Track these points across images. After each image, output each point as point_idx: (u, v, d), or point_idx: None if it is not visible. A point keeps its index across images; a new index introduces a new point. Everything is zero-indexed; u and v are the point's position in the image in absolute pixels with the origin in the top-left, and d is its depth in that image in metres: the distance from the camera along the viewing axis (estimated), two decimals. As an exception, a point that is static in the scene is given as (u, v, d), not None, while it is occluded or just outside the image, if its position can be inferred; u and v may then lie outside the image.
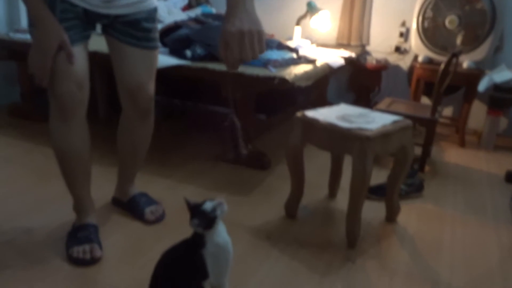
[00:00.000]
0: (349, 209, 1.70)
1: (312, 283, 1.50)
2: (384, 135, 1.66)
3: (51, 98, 1.42)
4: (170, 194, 2.04)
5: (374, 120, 1.75)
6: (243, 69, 2.21)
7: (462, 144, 3.08)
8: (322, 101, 3.50)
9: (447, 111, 3.54)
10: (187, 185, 2.16)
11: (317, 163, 2.49)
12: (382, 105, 2.69)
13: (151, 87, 1.61)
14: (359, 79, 3.52)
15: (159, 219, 1.80)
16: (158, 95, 1.73)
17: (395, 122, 1.76)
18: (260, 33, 1.09)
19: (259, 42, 1.09)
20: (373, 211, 2.01)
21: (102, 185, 1.95)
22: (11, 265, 1.49)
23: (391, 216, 1.94)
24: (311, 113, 1.80)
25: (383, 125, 1.70)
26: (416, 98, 3.25)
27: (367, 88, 3.52)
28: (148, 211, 1.80)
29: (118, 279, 1.46)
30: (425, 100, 3.39)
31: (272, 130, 3.03)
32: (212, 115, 2.93)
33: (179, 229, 1.75)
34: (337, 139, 1.67)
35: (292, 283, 1.50)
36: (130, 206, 1.83)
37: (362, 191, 1.65)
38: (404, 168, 1.84)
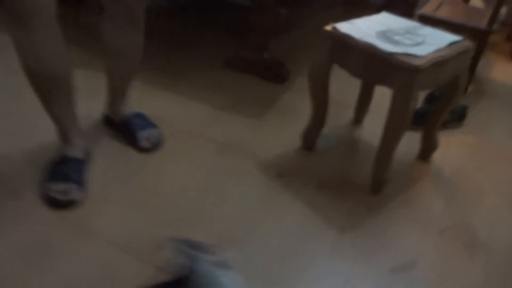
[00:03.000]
0: (380, 151, 1.41)
1: (328, 239, 1.29)
2: (437, 64, 1.30)
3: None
4: (171, 111, 1.75)
5: (425, 41, 1.37)
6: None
7: (513, 56, 2.65)
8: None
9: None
10: (191, 100, 1.84)
11: (342, 76, 2.13)
12: (429, 7, 2.23)
13: None
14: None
15: (156, 145, 1.55)
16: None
17: (452, 44, 1.38)
18: None
19: None
20: (405, 144, 1.72)
21: (91, 98, 1.67)
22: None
23: (426, 153, 1.66)
24: (344, 27, 1.41)
25: (436, 49, 1.33)
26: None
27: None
28: (143, 136, 1.53)
29: (105, 224, 1.25)
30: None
31: (294, 29, 2.61)
32: (227, 8, 2.50)
33: (179, 158, 1.52)
34: (376, 66, 1.31)
35: (306, 238, 1.29)
36: (122, 128, 1.56)
37: (400, 131, 1.35)
38: (453, 100, 1.50)
